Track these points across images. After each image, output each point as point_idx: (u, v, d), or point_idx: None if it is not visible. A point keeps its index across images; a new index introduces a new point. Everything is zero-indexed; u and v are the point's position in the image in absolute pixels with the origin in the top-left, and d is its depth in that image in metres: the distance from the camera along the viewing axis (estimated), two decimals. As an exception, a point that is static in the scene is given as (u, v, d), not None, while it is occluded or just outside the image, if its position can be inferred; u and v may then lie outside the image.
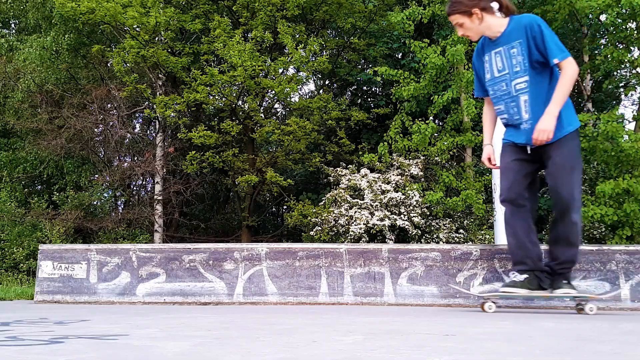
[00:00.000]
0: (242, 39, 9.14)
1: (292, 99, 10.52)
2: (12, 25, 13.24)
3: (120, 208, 11.55)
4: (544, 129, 2.81)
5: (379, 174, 7.75)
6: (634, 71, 8.42)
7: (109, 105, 10.44)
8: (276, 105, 11.55)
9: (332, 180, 8.21)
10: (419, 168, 7.84)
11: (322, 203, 8.10)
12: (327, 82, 12.12)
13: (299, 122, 8.99)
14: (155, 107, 9.18)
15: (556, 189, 2.91)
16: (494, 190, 5.19)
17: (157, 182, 9.89)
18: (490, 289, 3.49)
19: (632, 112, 13.24)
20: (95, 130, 10.50)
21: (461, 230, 7.50)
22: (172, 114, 9.23)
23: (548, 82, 2.91)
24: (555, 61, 2.81)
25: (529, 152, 3.00)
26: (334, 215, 7.34)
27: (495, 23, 2.96)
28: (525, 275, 3.00)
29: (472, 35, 3.03)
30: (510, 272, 3.13)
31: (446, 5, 3.03)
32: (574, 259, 3.02)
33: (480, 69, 3.14)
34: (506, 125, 3.09)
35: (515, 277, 3.03)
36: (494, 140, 3.26)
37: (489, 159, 3.21)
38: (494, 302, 3.06)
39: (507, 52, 2.95)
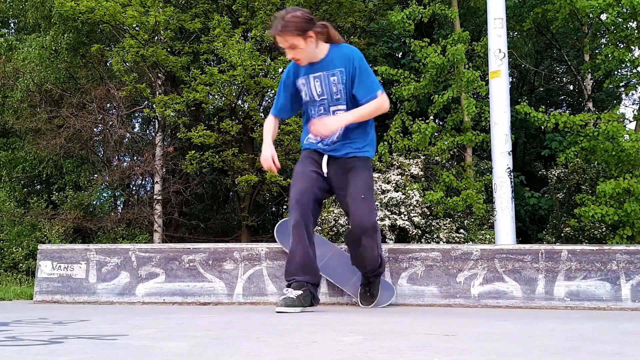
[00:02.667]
0: (242, 38, 9.14)
1: (292, 99, 10.50)
2: (11, 24, 13.23)
3: (119, 208, 11.55)
4: (327, 123, 2.82)
5: (379, 174, 7.74)
6: (634, 71, 8.42)
7: (108, 104, 10.44)
8: (276, 105, 11.52)
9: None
10: (419, 168, 7.84)
11: (321, 203, 8.08)
12: (327, 82, 12.09)
13: (299, 121, 8.98)
14: (154, 106, 9.17)
15: (352, 212, 2.92)
16: (494, 190, 5.18)
17: (157, 182, 9.89)
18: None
19: (633, 111, 13.25)
20: (95, 129, 10.50)
21: (461, 230, 7.50)
22: (172, 114, 9.22)
23: None
24: (379, 93, 2.89)
25: (324, 162, 2.99)
26: (334, 214, 7.33)
27: (321, 48, 2.91)
28: (300, 292, 2.84)
29: (302, 59, 2.89)
30: (285, 288, 2.93)
31: (276, 23, 2.85)
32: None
33: (292, 91, 3.06)
34: (316, 143, 3.05)
35: (289, 293, 2.84)
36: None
37: (273, 159, 3.00)
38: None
39: (327, 78, 2.92)
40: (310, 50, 2.87)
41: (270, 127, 3.15)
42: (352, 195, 2.92)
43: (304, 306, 2.85)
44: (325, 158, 3.00)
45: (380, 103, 2.89)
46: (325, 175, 3.01)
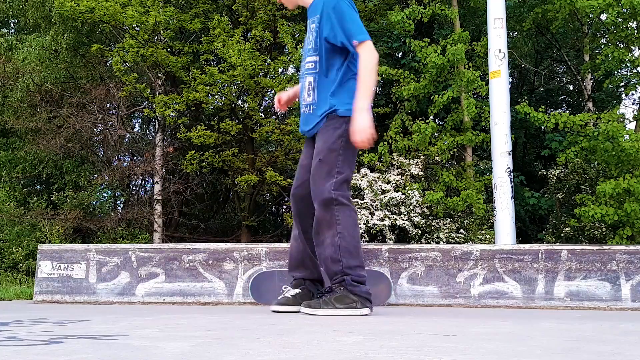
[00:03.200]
0: (242, 38, 9.14)
1: (292, 99, 10.49)
2: (11, 24, 13.24)
3: (119, 208, 11.55)
4: (359, 129, 2.46)
5: (379, 174, 7.75)
6: (634, 71, 8.42)
7: (108, 104, 10.44)
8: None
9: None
10: (419, 168, 7.84)
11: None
12: (327, 82, 12.08)
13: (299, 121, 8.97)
14: (154, 106, 9.17)
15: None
16: (494, 190, 5.18)
17: (157, 182, 9.89)
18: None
19: (633, 111, 13.25)
20: (95, 129, 10.49)
21: (461, 230, 7.50)
22: (172, 114, 9.22)
23: (339, 67, 2.62)
24: (355, 43, 2.51)
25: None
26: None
27: None
28: (297, 290, 2.73)
29: (286, 2, 2.79)
30: (283, 286, 2.85)
31: None
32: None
33: None
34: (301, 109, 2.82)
35: (287, 291, 2.75)
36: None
37: (279, 100, 2.92)
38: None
39: (310, 26, 2.69)
40: None
41: None
42: (313, 163, 2.61)
43: (300, 305, 2.67)
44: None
45: (367, 58, 2.50)
46: None
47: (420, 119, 7.65)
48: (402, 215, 7.20)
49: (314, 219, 2.63)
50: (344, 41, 2.55)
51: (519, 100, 8.00)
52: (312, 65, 2.66)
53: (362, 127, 2.47)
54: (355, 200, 7.40)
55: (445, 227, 7.43)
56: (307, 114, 2.73)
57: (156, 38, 9.49)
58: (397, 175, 7.66)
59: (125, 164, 10.79)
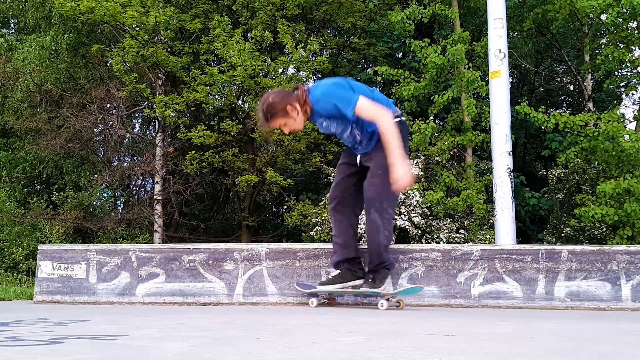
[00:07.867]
0: (242, 38, 9.14)
1: (292, 99, 10.49)
2: (12, 24, 13.24)
3: (119, 208, 11.54)
4: (399, 178, 2.93)
5: (379, 174, 7.73)
6: (634, 71, 8.42)
7: (108, 105, 10.43)
8: (276, 105, 11.50)
9: (332, 180, 8.19)
10: (420, 168, 7.83)
11: (322, 203, 8.08)
12: (327, 82, 12.08)
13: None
14: (154, 106, 9.17)
15: (365, 189, 3.11)
16: (494, 190, 5.18)
17: (157, 182, 9.88)
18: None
19: (633, 111, 13.26)
20: (95, 130, 10.49)
21: (462, 231, 7.49)
22: (172, 114, 9.21)
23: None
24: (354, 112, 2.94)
25: (358, 162, 3.24)
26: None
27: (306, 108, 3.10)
28: (338, 271, 3.22)
29: (298, 127, 3.10)
30: (328, 267, 3.35)
31: (260, 117, 3.07)
32: (380, 258, 3.13)
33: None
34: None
35: (330, 273, 3.27)
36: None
37: None
38: (316, 298, 3.32)
39: (328, 122, 3.11)
40: (300, 118, 3.03)
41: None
42: (370, 171, 3.13)
43: (342, 282, 3.17)
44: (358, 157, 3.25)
45: (384, 127, 2.96)
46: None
47: (420, 119, 7.64)
48: (403, 216, 7.20)
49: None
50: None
51: (519, 100, 8.00)
52: (352, 131, 3.13)
53: (402, 175, 2.92)
54: (356, 200, 7.40)
55: (445, 228, 7.43)
56: (360, 149, 3.25)
57: (156, 38, 9.49)
58: (397, 175, 7.65)
59: (125, 164, 10.78)
